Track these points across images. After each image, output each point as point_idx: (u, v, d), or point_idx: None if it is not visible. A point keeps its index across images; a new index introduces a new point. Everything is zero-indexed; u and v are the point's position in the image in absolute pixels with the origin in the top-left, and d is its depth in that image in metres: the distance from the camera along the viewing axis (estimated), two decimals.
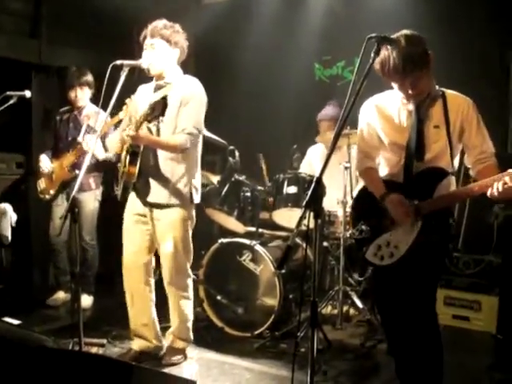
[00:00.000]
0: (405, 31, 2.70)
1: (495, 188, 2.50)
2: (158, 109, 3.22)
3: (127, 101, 3.50)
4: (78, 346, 2.97)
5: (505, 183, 2.47)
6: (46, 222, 5.03)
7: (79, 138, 4.66)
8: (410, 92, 2.73)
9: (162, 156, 3.55)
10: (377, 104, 2.95)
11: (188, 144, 3.49)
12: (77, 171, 4.71)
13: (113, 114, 3.62)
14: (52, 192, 4.91)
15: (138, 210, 3.66)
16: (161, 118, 3.31)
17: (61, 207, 4.90)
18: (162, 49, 3.53)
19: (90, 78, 4.94)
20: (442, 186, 2.77)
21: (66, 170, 4.80)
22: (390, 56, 2.62)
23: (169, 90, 3.37)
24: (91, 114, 4.83)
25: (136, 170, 3.50)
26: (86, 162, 3.08)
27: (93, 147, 3.38)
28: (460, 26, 5.02)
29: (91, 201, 4.91)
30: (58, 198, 4.94)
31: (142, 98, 3.65)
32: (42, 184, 4.95)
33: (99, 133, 3.47)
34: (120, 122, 3.79)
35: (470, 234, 4.68)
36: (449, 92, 2.83)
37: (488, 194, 2.55)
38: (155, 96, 3.46)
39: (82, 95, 4.92)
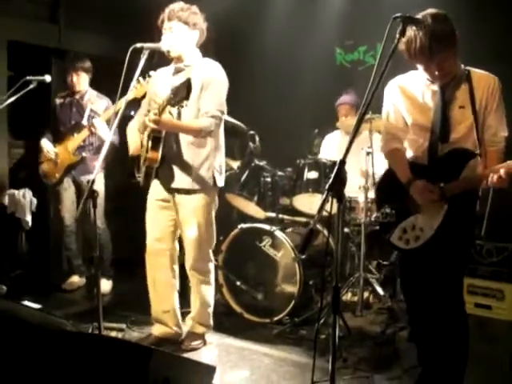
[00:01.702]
0: (431, 10, 2.63)
1: None
2: (183, 92, 3.14)
3: (141, 81, 3.42)
4: (97, 331, 2.98)
5: None
6: None
7: (83, 122, 4.66)
8: (436, 73, 2.67)
9: (184, 141, 3.52)
10: (400, 84, 2.89)
11: (212, 127, 3.45)
12: (83, 154, 4.78)
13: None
14: (57, 176, 4.90)
15: (162, 195, 3.64)
16: (185, 101, 3.20)
17: (68, 190, 4.93)
18: (181, 31, 3.49)
19: (86, 63, 4.87)
20: (469, 168, 2.71)
21: (71, 154, 4.79)
22: (417, 36, 2.56)
23: (190, 73, 3.32)
24: (93, 99, 4.84)
25: (158, 155, 3.46)
26: (106, 146, 3.09)
27: (102, 130, 3.32)
28: (486, 5, 4.90)
29: (100, 184, 4.82)
30: (64, 182, 4.93)
31: (161, 82, 3.61)
32: (44, 168, 4.94)
33: (116, 116, 3.41)
34: (133, 101, 3.74)
35: (493, 222, 4.59)
36: (474, 70, 2.76)
37: None
38: (176, 79, 3.42)
39: (78, 80, 4.87)
